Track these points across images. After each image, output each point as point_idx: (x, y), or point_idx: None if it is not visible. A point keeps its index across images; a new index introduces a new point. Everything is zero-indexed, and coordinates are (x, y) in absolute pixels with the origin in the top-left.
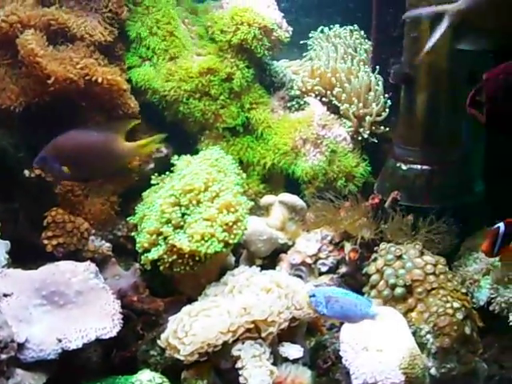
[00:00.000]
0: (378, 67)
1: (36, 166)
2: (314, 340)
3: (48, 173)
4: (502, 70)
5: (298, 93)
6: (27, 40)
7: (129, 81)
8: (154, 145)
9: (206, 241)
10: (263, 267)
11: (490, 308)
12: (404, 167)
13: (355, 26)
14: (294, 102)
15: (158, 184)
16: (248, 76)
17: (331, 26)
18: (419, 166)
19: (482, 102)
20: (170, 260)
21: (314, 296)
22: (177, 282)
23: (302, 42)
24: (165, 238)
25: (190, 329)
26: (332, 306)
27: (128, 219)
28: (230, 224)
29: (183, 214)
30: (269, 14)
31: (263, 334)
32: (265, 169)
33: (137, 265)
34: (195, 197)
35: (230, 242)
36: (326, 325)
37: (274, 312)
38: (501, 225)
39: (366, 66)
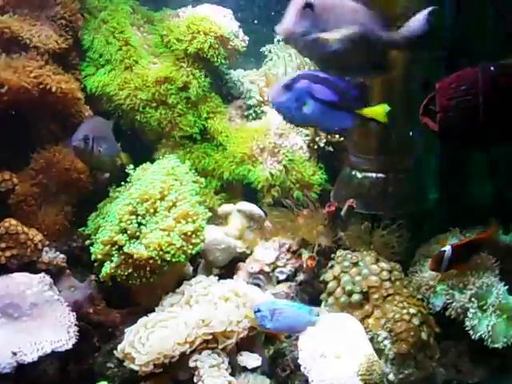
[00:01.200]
0: None
1: (77, 144)
2: (272, 348)
3: (84, 152)
4: (454, 80)
5: (255, 102)
6: None
7: (84, 90)
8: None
9: (164, 250)
10: (221, 276)
11: (447, 313)
12: (359, 175)
13: None
14: (251, 111)
15: (114, 195)
16: (205, 85)
17: None
18: (374, 174)
19: (434, 111)
20: (126, 273)
21: (259, 311)
22: (133, 292)
23: (258, 51)
24: (119, 249)
25: (147, 340)
26: (277, 318)
27: (81, 229)
28: (189, 234)
29: (139, 224)
30: (225, 24)
31: (222, 345)
32: (222, 178)
33: (92, 276)
34: (152, 205)
35: (189, 252)
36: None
37: (232, 322)
38: (447, 249)
39: None
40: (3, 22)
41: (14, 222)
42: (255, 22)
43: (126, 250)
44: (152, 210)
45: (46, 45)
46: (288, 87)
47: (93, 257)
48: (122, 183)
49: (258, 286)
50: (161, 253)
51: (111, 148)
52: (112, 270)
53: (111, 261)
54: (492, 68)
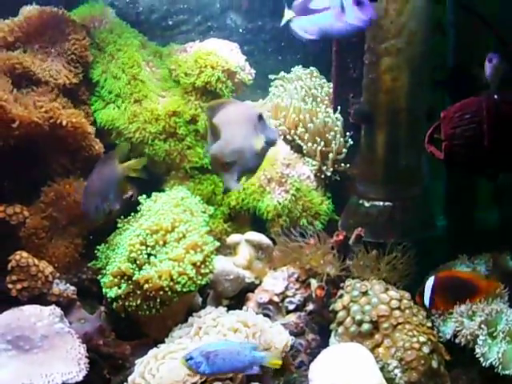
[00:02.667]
0: (339, 107)
1: (92, 216)
2: (282, 379)
3: (97, 218)
4: (458, 108)
5: None
6: None
7: (93, 123)
8: (140, 163)
9: (175, 280)
10: (230, 307)
11: (456, 341)
12: (367, 204)
13: (315, 67)
14: None
15: (123, 226)
16: None
17: (293, 68)
18: (381, 203)
19: (440, 140)
20: (135, 303)
21: (191, 358)
22: (143, 324)
23: (265, 83)
24: (128, 279)
25: (157, 371)
26: (213, 361)
27: (91, 264)
28: (198, 264)
29: (149, 255)
30: (232, 57)
31: (230, 375)
32: (231, 208)
33: (102, 308)
34: (162, 237)
35: (198, 282)
36: (294, 363)
37: None
38: (430, 279)
39: (327, 107)
40: (15, 57)
41: (24, 254)
42: (261, 54)
43: (135, 278)
44: (162, 242)
45: (57, 80)
46: None
47: (103, 289)
48: (132, 214)
49: (268, 316)
50: (171, 283)
51: (117, 200)
52: (119, 299)
53: (119, 288)
54: (496, 96)
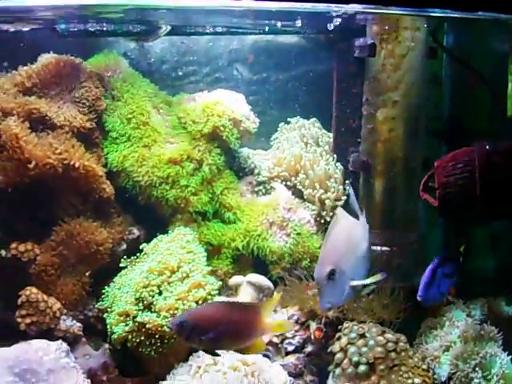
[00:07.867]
0: (338, 155)
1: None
2: None
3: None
4: (451, 158)
5: (264, 178)
6: (10, 126)
7: (105, 166)
8: (289, 325)
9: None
10: None
11: (451, 383)
12: None
13: (316, 117)
14: (261, 187)
15: (129, 265)
16: (219, 163)
17: (295, 118)
18: (379, 248)
19: (434, 188)
20: (138, 340)
21: None
22: (146, 362)
23: (268, 131)
24: (134, 318)
25: None
26: None
27: (98, 305)
28: (200, 302)
29: (154, 295)
30: (238, 107)
31: None
32: (235, 251)
33: (106, 345)
34: (167, 277)
35: None
36: None
37: None
38: None
39: (327, 155)
40: (32, 103)
41: (34, 290)
42: (265, 104)
43: (138, 319)
44: (167, 282)
45: (72, 123)
46: None
47: (108, 327)
48: (138, 254)
49: (267, 357)
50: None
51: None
52: (122, 333)
53: (126, 325)
54: (487, 146)
